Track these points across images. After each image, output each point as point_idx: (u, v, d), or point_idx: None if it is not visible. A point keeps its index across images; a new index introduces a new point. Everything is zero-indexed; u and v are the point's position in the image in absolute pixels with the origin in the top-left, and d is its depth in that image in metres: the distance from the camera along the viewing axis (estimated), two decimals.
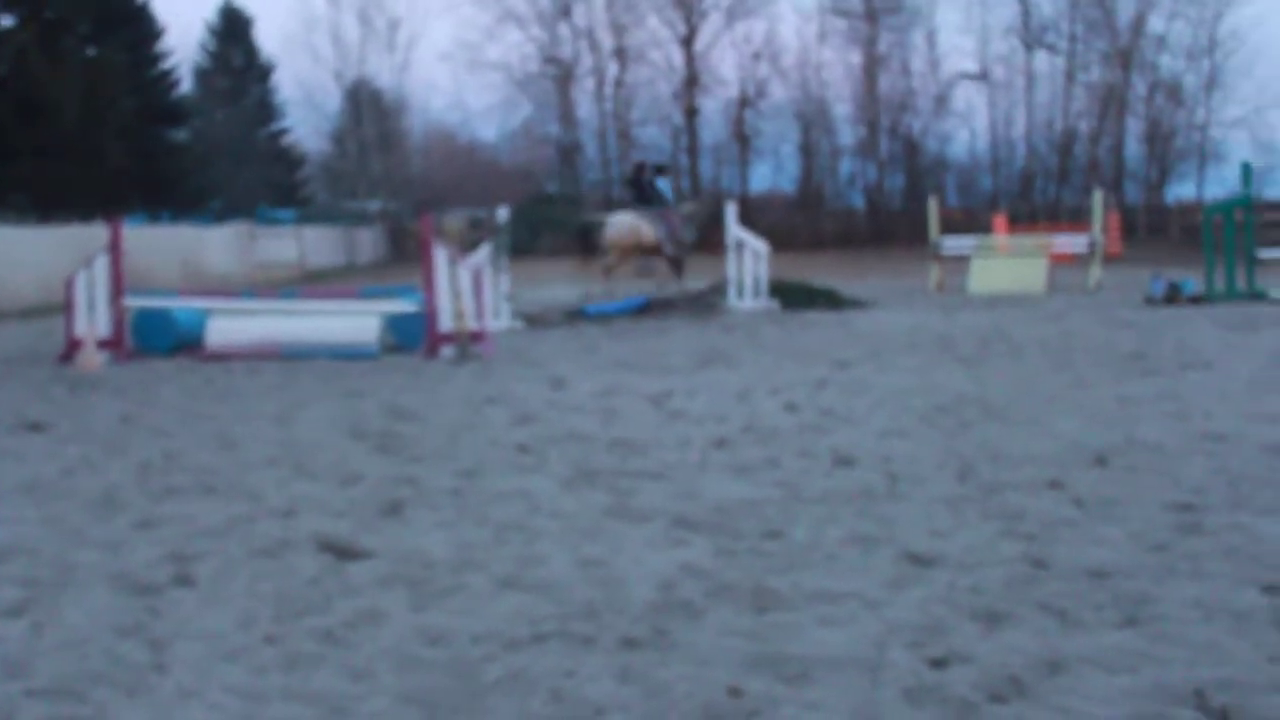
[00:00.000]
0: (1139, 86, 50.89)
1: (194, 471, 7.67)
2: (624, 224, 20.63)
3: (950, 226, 29.62)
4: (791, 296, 20.10)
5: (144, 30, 45.23)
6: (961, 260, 24.21)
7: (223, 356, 14.17)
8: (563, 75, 54.52)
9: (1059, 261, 24.46)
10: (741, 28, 54.03)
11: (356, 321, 14.62)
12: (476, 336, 14.01)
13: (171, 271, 29.62)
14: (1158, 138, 50.66)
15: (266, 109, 56.77)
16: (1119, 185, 49.08)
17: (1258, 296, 19.35)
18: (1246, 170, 21.73)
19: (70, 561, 5.65)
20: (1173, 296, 19.14)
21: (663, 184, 22.04)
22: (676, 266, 21.23)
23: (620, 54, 54.05)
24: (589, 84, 54.96)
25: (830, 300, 20.34)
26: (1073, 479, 6.81)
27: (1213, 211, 21.77)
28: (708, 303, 19.88)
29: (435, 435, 8.83)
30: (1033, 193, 51.71)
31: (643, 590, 5.01)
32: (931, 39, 52.99)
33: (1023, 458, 7.44)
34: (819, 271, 26.69)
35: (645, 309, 19.44)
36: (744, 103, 53.48)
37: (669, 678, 4.08)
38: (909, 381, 10.98)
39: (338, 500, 6.79)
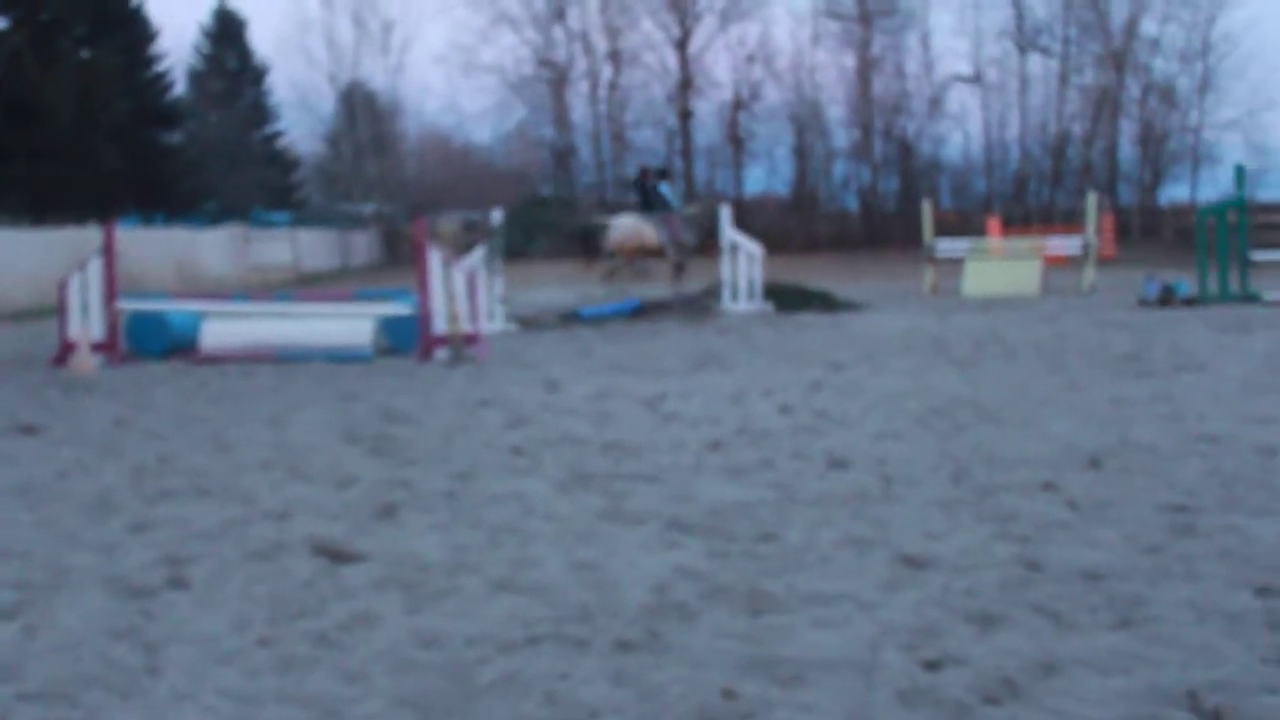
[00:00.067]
0: (1132, 89, 50.97)
1: (188, 474, 7.67)
2: (627, 226, 20.68)
3: (944, 229, 29.64)
4: (786, 299, 20.10)
5: (138, 33, 45.19)
6: (956, 263, 24.23)
7: (217, 359, 14.16)
8: (557, 78, 54.52)
9: (1053, 264, 24.49)
10: (735, 30, 53.96)
11: (351, 324, 14.62)
12: (470, 339, 14.01)
13: (165, 274, 29.61)
14: (1151, 140, 50.72)
15: (261, 111, 56.71)
16: (1113, 187, 49.10)
17: (1251, 299, 19.39)
18: (1240, 172, 21.76)
19: (64, 564, 5.64)
20: (1166, 299, 19.17)
21: (665, 188, 22.07)
22: (678, 269, 21.25)
23: (614, 57, 54.06)
24: (583, 87, 55.00)
25: (824, 303, 20.35)
26: (1067, 481, 6.82)
27: (1206, 214, 21.80)
28: (702, 305, 19.89)
29: (429, 438, 8.82)
30: (1027, 195, 51.73)
31: (637, 593, 5.01)
32: (925, 41, 53.09)
33: (1017, 460, 7.45)
34: (813, 274, 26.70)
35: (639, 312, 19.45)
36: (738, 105, 53.51)
37: (663, 680, 4.08)
38: (903, 384, 10.98)
39: (332, 503, 6.78)
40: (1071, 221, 34.62)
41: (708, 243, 21.07)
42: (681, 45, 53.48)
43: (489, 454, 8.14)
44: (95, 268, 14.48)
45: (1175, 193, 51.24)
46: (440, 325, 13.97)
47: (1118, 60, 50.00)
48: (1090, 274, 22.89)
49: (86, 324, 14.23)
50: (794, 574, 5.22)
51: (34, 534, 6.24)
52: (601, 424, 9.23)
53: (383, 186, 54.49)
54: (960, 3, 58.85)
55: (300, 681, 4.19)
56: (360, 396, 11.03)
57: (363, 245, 48.70)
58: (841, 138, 53.73)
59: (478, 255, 18.17)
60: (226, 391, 11.73)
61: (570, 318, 19.09)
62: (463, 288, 14.10)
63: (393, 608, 4.93)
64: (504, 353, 14.49)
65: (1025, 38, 51.71)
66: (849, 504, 6.44)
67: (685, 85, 53.47)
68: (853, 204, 54.15)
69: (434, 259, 14.16)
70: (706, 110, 54.20)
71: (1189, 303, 19.15)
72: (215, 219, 42.35)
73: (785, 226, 48.17)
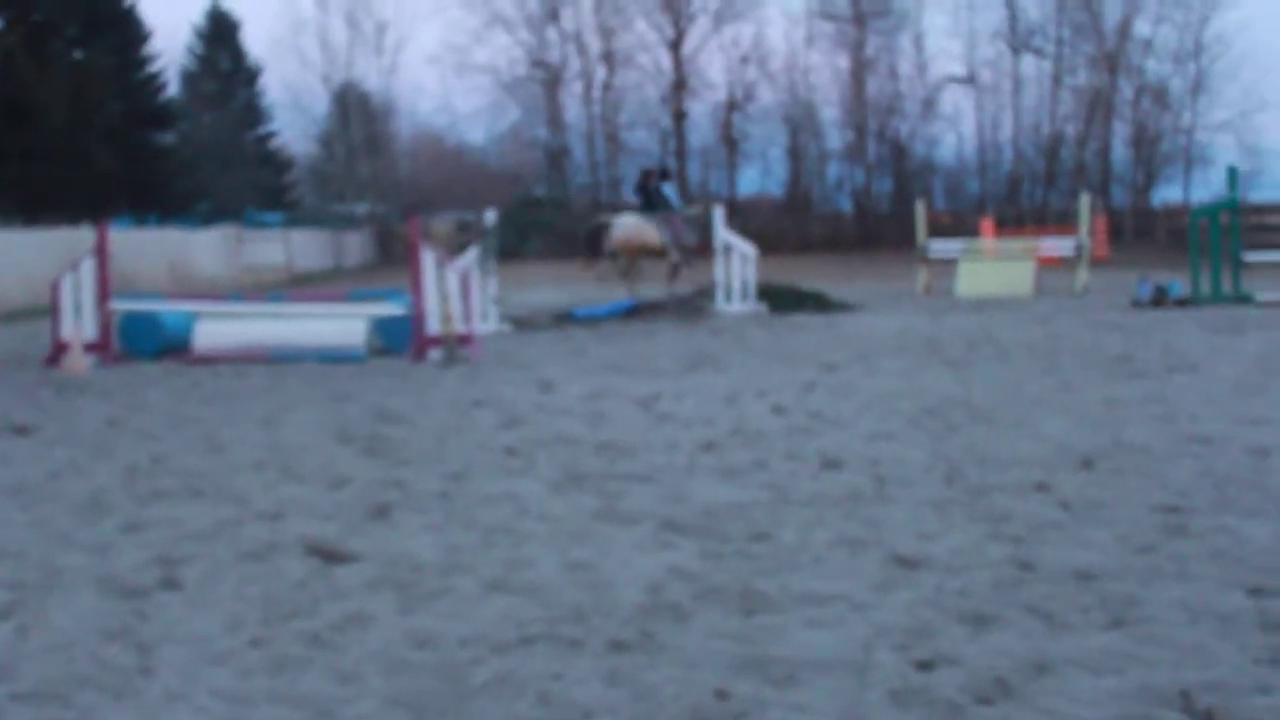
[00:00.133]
0: (1125, 90, 51.02)
1: (181, 475, 7.66)
2: (629, 226, 20.73)
3: (938, 230, 29.71)
4: (779, 300, 20.11)
5: (131, 33, 45.11)
6: (949, 263, 24.25)
7: (210, 359, 14.14)
8: (550, 79, 54.50)
9: (1046, 265, 24.52)
10: (729, 31, 53.98)
11: (344, 325, 14.61)
12: (464, 339, 14.00)
13: (158, 274, 29.57)
14: (1144, 141, 50.78)
15: (254, 112, 56.63)
16: (1106, 189, 49.17)
17: (1243, 299, 19.42)
18: (1232, 174, 21.80)
19: (57, 565, 5.63)
20: (1159, 299, 19.20)
21: (668, 189, 22.10)
22: (676, 270, 21.25)
23: (608, 57, 54.05)
24: (577, 87, 54.98)
25: (818, 303, 20.37)
26: (1059, 481, 6.83)
27: (1199, 215, 21.86)
28: (696, 306, 19.90)
29: (423, 438, 8.82)
30: (1020, 196, 51.78)
31: (630, 593, 5.01)
32: (919, 43, 53.11)
33: (1010, 460, 7.46)
34: (807, 275, 26.71)
35: (633, 312, 19.46)
36: (732, 106, 53.52)
37: (656, 680, 4.09)
38: (896, 384, 11.00)
39: (325, 503, 6.78)
40: (1065, 222, 34.64)
41: (701, 243, 21.10)
42: (675, 46, 53.49)
43: (483, 454, 8.14)
44: (88, 268, 14.45)
45: (1168, 194, 51.42)
46: (434, 326, 13.97)
47: (1111, 61, 50.07)
48: (1083, 275, 22.92)
49: (79, 324, 14.21)
50: (787, 574, 5.22)
51: (27, 534, 6.23)
52: (595, 424, 9.23)
53: (376, 187, 54.44)
54: (954, 4, 58.56)
55: (293, 682, 4.19)
56: (353, 397, 11.02)
57: (356, 246, 48.66)
58: (835, 139, 53.83)
59: (471, 255, 18.17)
60: (219, 392, 11.71)
61: (564, 318, 19.09)
62: (456, 288, 14.09)
63: (386, 608, 4.92)
64: (498, 353, 14.49)
65: (1018, 39, 51.79)
66: (842, 504, 6.45)
67: (679, 86, 53.48)
68: (846, 205, 54.19)
69: (427, 259, 14.16)
70: (700, 111, 54.28)
71: (1182, 304, 19.18)
72: (208, 219, 42.29)
73: (779, 227, 48.17)
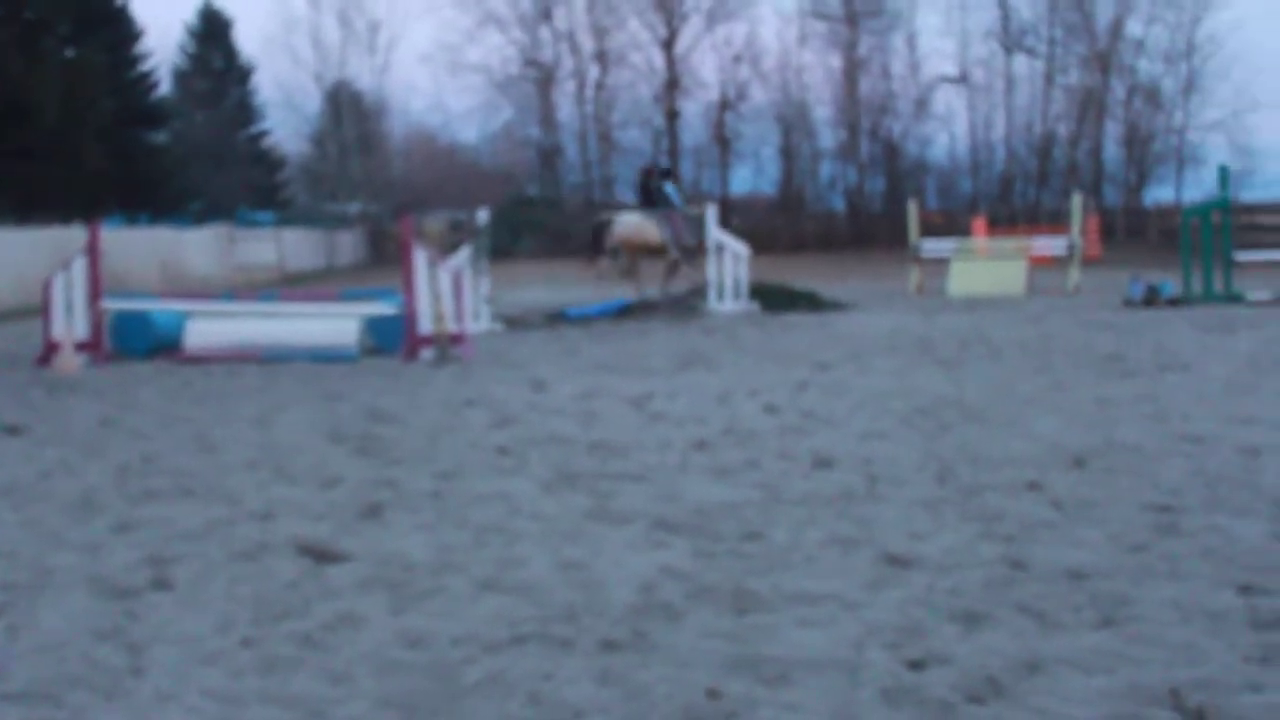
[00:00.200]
0: (1117, 90, 51.14)
1: (172, 474, 7.65)
2: (631, 224, 20.75)
3: (930, 229, 29.70)
4: (772, 299, 20.13)
5: (123, 32, 45.05)
6: (941, 263, 24.28)
7: (201, 359, 14.12)
8: (543, 78, 54.50)
9: (1038, 264, 24.54)
10: (722, 30, 54.01)
11: (336, 324, 14.59)
12: (456, 339, 13.99)
13: (150, 274, 29.53)
14: (1136, 141, 50.88)
15: (246, 111, 56.56)
16: (1098, 188, 49.27)
17: (1235, 299, 19.46)
18: (1224, 173, 21.85)
19: (47, 564, 5.62)
20: (1151, 299, 19.23)
21: (670, 187, 22.11)
22: (674, 268, 21.25)
23: (601, 57, 54.07)
24: (570, 87, 55.01)
25: (810, 303, 20.38)
26: (1051, 480, 6.84)
27: (1190, 214, 21.88)
28: (688, 305, 19.90)
29: (415, 438, 8.81)
30: (1012, 195, 51.87)
31: (622, 592, 5.01)
32: (911, 42, 53.20)
33: (1001, 459, 7.47)
34: (799, 274, 26.73)
35: (626, 311, 19.46)
36: (725, 105, 53.54)
37: (648, 680, 4.09)
38: (889, 384, 11.00)
39: (317, 503, 6.77)
40: (1057, 222, 34.69)
41: (701, 243, 21.11)
42: (668, 45, 53.51)
43: (475, 454, 8.13)
44: (80, 267, 14.43)
45: (1160, 193, 51.51)
46: (426, 325, 13.95)
47: (1103, 61, 50.15)
48: (1075, 274, 22.95)
49: (71, 324, 14.18)
50: (779, 573, 5.22)
51: (18, 534, 6.22)
52: (588, 423, 9.23)
53: (368, 186, 54.42)
54: (946, 4, 58.91)
55: (284, 682, 4.18)
56: (345, 396, 11.01)
57: (348, 245, 48.64)
58: (828, 138, 53.91)
59: (463, 255, 18.16)
60: (211, 391, 11.70)
61: (556, 317, 19.10)
62: (448, 287, 14.08)
63: (377, 608, 4.92)
64: (490, 352, 14.48)
65: (1011, 39, 51.87)
66: (834, 504, 6.45)
67: (672, 85, 53.50)
68: (839, 204, 54.27)
69: (419, 259, 14.15)
70: (693, 110, 54.32)
71: (1173, 303, 19.22)
72: (200, 218, 42.26)
73: (772, 226, 48.25)
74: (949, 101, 63.57)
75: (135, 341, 14.79)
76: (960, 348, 13.76)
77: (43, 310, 14.68)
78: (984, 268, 23.64)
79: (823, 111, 53.52)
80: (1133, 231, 46.39)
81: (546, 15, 54.04)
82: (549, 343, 15.76)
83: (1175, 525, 5.82)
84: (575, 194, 53.92)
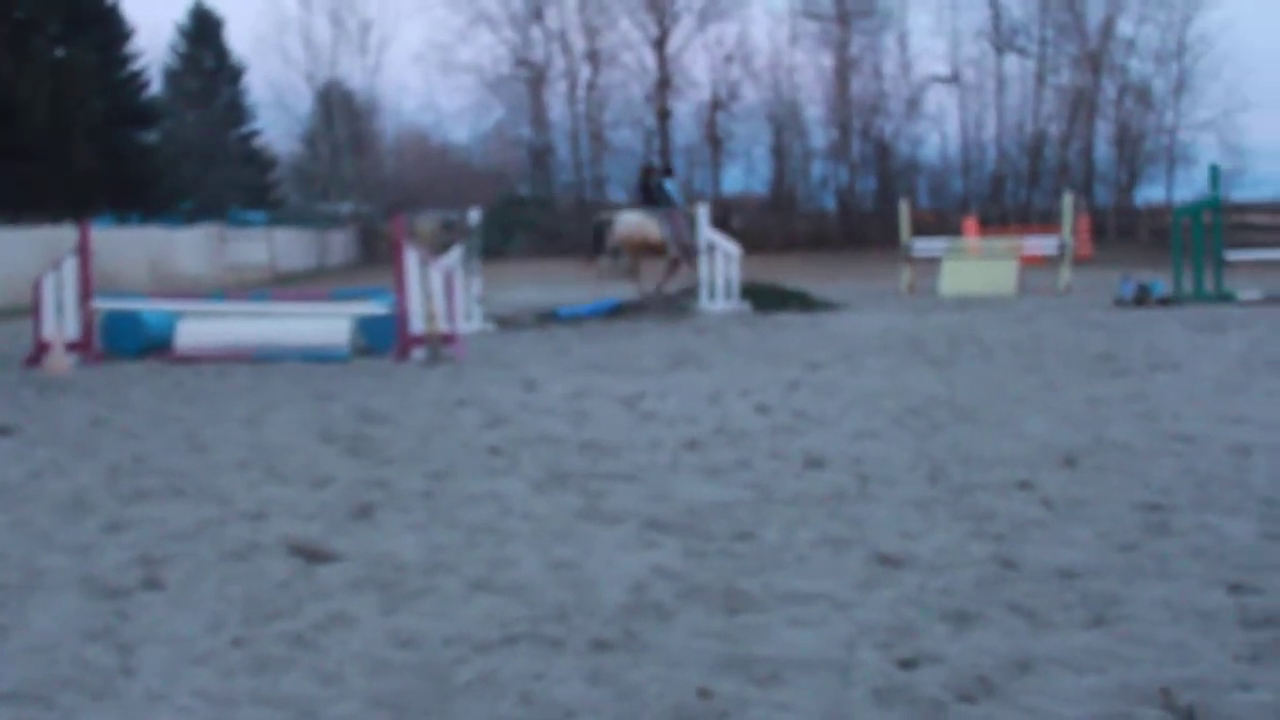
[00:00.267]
0: (1108, 90, 51.21)
1: (163, 474, 7.63)
2: (631, 223, 20.77)
3: (921, 229, 29.76)
4: (763, 299, 20.14)
5: (114, 31, 44.94)
6: (933, 262, 24.30)
7: (192, 359, 14.10)
8: (535, 77, 54.47)
9: (1029, 263, 24.59)
10: (713, 30, 54.05)
11: (327, 324, 14.58)
12: (448, 339, 13.98)
13: (141, 274, 29.47)
14: (1127, 141, 50.96)
15: (237, 111, 56.46)
16: (1089, 188, 49.35)
17: (1225, 298, 19.50)
18: (1214, 173, 21.89)
19: (38, 565, 5.61)
20: (1142, 298, 19.27)
21: (670, 186, 22.12)
22: (674, 266, 21.26)
23: (592, 56, 54.04)
24: (561, 86, 54.97)
25: (802, 302, 20.39)
26: (1042, 480, 6.85)
27: (1181, 214, 21.94)
28: (679, 305, 19.91)
29: (406, 438, 8.81)
30: (1003, 195, 51.94)
31: (613, 592, 5.01)
32: (903, 42, 53.25)
33: (992, 459, 7.48)
34: (791, 274, 26.75)
35: (617, 311, 19.46)
36: (716, 105, 53.56)
37: (639, 679, 4.08)
38: (880, 383, 11.01)
39: (308, 503, 6.76)
40: (1048, 221, 34.73)
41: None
42: (660, 45, 53.51)
43: (466, 453, 8.13)
44: (70, 267, 14.40)
45: (1151, 193, 51.64)
46: (417, 325, 13.94)
47: (1094, 61, 50.23)
48: (1066, 274, 22.99)
49: (61, 323, 14.16)
50: (770, 573, 5.22)
51: (7, 535, 6.20)
52: (579, 423, 9.23)
53: (360, 186, 54.34)
54: (938, 3, 58.94)
55: (275, 682, 4.18)
56: (337, 396, 11.00)
57: (340, 245, 48.58)
58: (819, 137, 53.94)
59: (455, 254, 18.15)
60: (202, 391, 11.68)
61: (548, 317, 19.09)
62: (440, 287, 14.07)
63: (369, 608, 4.91)
64: (481, 352, 14.47)
65: (1002, 38, 51.93)
66: (826, 503, 6.46)
67: (663, 85, 53.50)
68: (830, 204, 54.28)
69: (411, 258, 14.13)
70: (685, 110, 54.33)
71: (1164, 302, 19.26)
72: (191, 218, 42.18)
73: (763, 226, 48.29)
74: (940, 101, 63.90)
75: (126, 341, 14.76)
76: (951, 347, 13.77)
77: (33, 310, 14.65)
78: (975, 267, 23.67)
79: (814, 111, 53.63)
80: (1124, 231, 46.49)
81: (538, 15, 54.02)
82: (540, 342, 15.75)
83: (1166, 524, 5.83)
84: (567, 194, 53.91)
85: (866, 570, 5.24)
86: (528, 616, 4.74)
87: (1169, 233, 23.82)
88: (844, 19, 51.91)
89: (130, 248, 30.12)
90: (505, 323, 18.22)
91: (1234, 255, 21.17)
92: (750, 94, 53.72)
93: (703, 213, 20.29)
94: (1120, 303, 19.35)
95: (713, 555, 5.53)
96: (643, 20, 53.63)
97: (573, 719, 3.83)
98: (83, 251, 14.46)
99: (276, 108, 56.67)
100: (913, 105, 52.98)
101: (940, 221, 42.41)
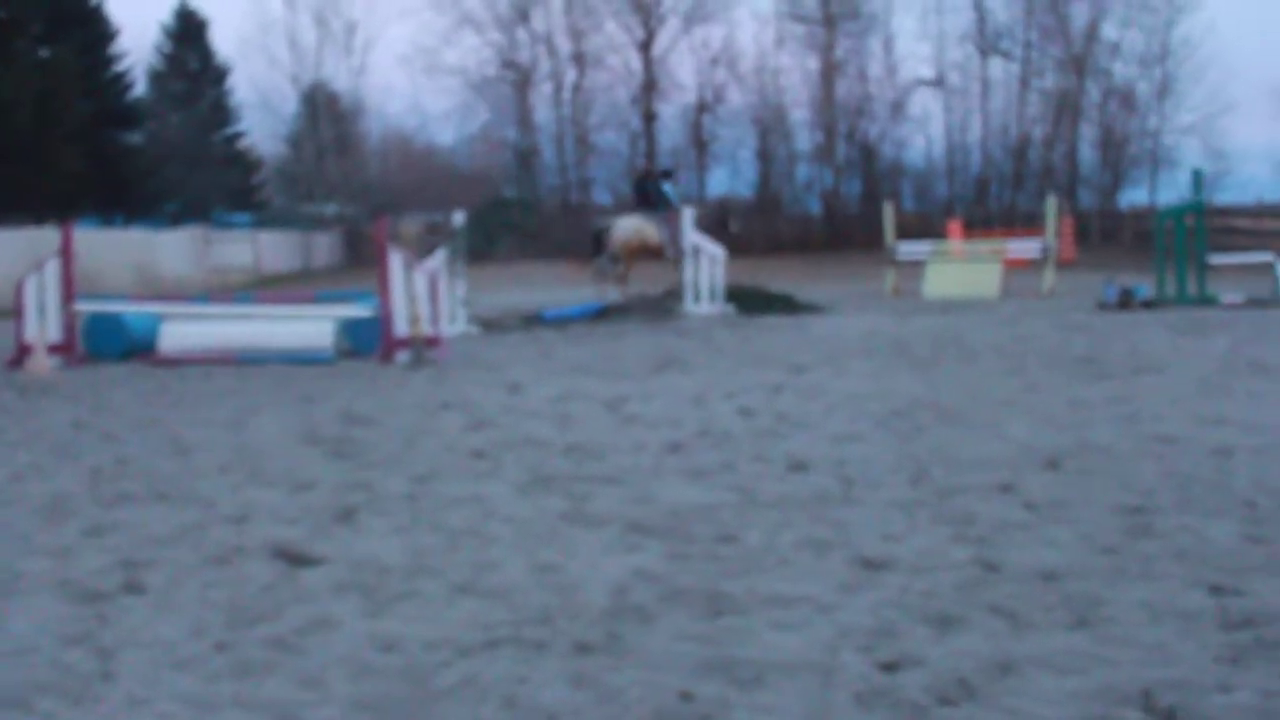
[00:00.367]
0: (1093, 93, 51.32)
1: (145, 478, 7.61)
2: (630, 227, 20.79)
3: (906, 232, 29.81)
4: (748, 301, 20.17)
5: (98, 32, 44.87)
6: (917, 265, 24.38)
7: (176, 361, 14.06)
8: (520, 80, 54.43)
9: (1013, 266, 24.67)
10: (699, 33, 54.06)
11: (311, 326, 14.56)
12: (432, 341, 13.97)
13: (124, 276, 29.38)
14: (1111, 144, 51.09)
15: (222, 112, 56.28)
16: (1073, 191, 49.47)
17: (1208, 301, 19.59)
18: (1198, 176, 21.99)
19: (17, 569, 5.58)
20: (1125, 301, 19.34)
21: (668, 188, 22.14)
22: (676, 266, 21.27)
23: (578, 59, 54.03)
24: (547, 89, 54.93)
25: (786, 305, 20.43)
26: (1024, 482, 6.86)
27: (1165, 217, 22.01)
28: (664, 308, 19.92)
29: (390, 441, 8.79)
30: (988, 198, 52.02)
31: (596, 595, 5.01)
32: (888, 45, 53.28)
33: (975, 461, 7.49)
34: (775, 276, 26.78)
35: (601, 314, 19.47)
36: (702, 108, 53.58)
37: (622, 683, 4.08)
38: (864, 386, 11.03)
39: (291, 507, 6.74)
40: (1032, 224, 34.83)
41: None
42: (645, 47, 53.52)
43: (450, 456, 8.12)
44: (53, 269, 14.35)
45: (1134, 196, 51.74)
46: (402, 327, 13.93)
47: (1078, 64, 50.37)
48: (1050, 277, 23.07)
49: (43, 326, 14.10)
50: (753, 576, 5.22)
51: None
52: (563, 426, 9.22)
53: (345, 188, 54.19)
54: (923, 7, 59.20)
55: (257, 686, 4.16)
56: (320, 399, 10.98)
57: (324, 247, 48.49)
58: (804, 140, 53.95)
59: (440, 257, 18.13)
60: (185, 394, 11.65)
61: (532, 320, 19.09)
62: (424, 290, 14.06)
63: (351, 612, 4.90)
64: (465, 355, 14.46)
65: (987, 42, 52.03)
66: (809, 506, 6.46)
67: (649, 87, 53.51)
68: (815, 206, 54.28)
69: (396, 261, 14.12)
70: (670, 113, 54.35)
71: (1147, 305, 19.34)
72: (175, 220, 42.12)
73: (748, 229, 48.27)
74: (925, 104, 63.92)
75: (109, 344, 14.72)
76: (935, 350, 13.80)
77: (15, 312, 14.60)
78: (959, 270, 23.75)
79: (799, 114, 53.65)
80: (1107, 234, 46.62)
81: (524, 17, 53.99)
82: (525, 345, 15.74)
83: (1148, 526, 5.85)
84: (552, 196, 53.84)
85: (849, 573, 5.25)
86: (510, 620, 4.73)
87: (1152, 236, 23.90)
88: (829, 22, 51.98)
89: (114, 250, 30.05)
90: (490, 325, 18.22)
91: (1217, 259, 21.26)
92: (736, 97, 53.82)
93: (688, 215, 20.30)
94: (1104, 306, 19.42)
95: (695, 558, 5.53)
96: (628, 23, 53.68)
97: None
98: (65, 253, 14.41)
99: (261, 109, 56.50)
100: (898, 108, 53.09)
101: (925, 224, 42.46)
